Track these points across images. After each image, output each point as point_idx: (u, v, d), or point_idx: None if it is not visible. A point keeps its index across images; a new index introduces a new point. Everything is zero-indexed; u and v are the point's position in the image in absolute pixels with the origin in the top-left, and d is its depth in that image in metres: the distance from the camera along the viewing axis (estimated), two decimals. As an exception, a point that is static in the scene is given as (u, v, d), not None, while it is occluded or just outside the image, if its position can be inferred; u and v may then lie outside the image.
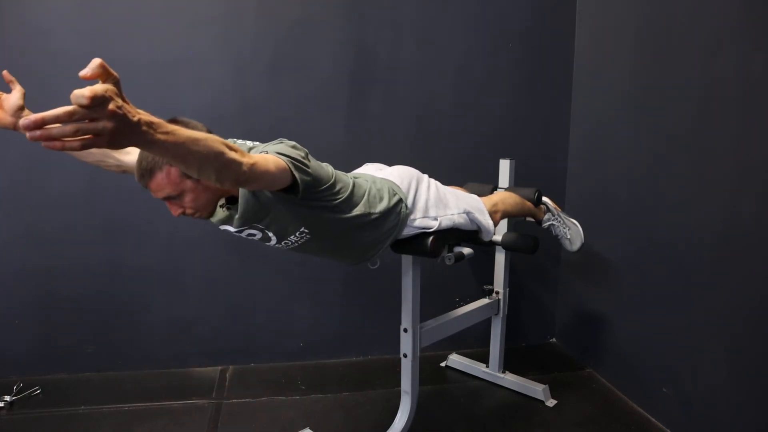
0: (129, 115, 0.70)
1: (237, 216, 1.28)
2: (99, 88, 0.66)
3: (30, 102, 2.12)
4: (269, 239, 1.37)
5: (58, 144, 0.66)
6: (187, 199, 1.22)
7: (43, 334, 2.25)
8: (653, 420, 1.95)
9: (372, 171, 1.71)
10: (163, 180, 1.17)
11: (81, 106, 0.64)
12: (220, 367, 2.39)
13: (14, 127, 1.25)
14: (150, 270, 2.30)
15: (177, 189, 1.19)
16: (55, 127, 0.65)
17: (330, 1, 2.30)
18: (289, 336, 2.46)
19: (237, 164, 0.94)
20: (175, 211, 1.25)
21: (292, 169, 1.14)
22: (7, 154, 2.13)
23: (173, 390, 2.16)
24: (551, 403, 2.08)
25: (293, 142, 1.27)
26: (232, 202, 1.33)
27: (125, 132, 0.70)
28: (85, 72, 0.69)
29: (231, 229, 1.34)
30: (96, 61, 0.69)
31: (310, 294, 2.45)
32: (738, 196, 1.59)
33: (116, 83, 0.71)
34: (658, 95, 1.95)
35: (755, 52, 1.52)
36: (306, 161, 1.22)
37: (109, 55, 2.17)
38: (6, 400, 2.02)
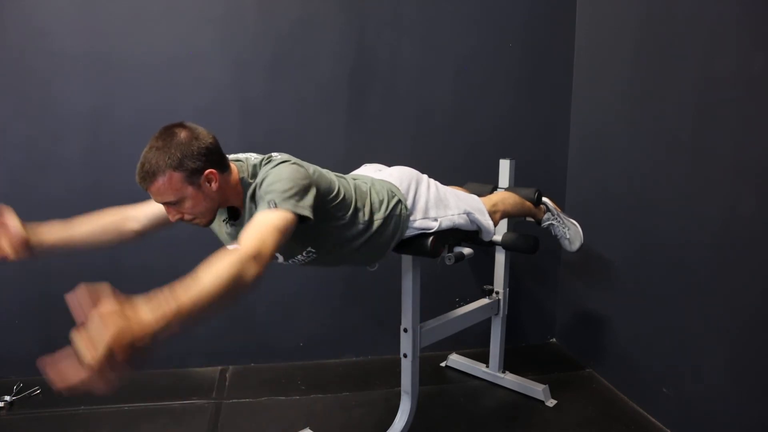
0: (139, 342, 0.73)
1: (240, 235, 1.28)
2: (100, 351, 0.68)
3: (30, 102, 2.14)
4: (276, 258, 1.37)
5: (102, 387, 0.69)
6: (187, 205, 1.20)
7: (43, 334, 2.25)
8: (653, 420, 1.95)
9: (371, 172, 1.71)
10: (165, 185, 1.15)
11: (91, 370, 0.67)
12: (220, 367, 2.39)
13: (32, 256, 1.26)
14: (150, 270, 2.30)
15: (178, 195, 1.17)
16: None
17: (330, 1, 2.30)
18: (289, 336, 2.46)
19: (251, 276, 0.96)
20: (173, 216, 1.23)
21: (303, 214, 1.15)
22: (7, 155, 2.13)
23: (173, 390, 2.16)
24: (551, 403, 2.08)
25: (294, 160, 1.26)
26: (234, 216, 1.33)
27: (145, 353, 0.74)
28: (89, 358, 0.69)
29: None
30: (78, 296, 0.73)
31: (310, 294, 2.45)
32: (738, 196, 1.59)
33: (110, 293, 0.73)
34: (657, 95, 1.95)
35: (755, 52, 1.52)
36: (310, 181, 1.22)
37: (109, 55, 2.19)
38: (6, 400, 2.02)
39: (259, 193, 1.19)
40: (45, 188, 2.17)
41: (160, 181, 1.15)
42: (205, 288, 0.86)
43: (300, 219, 1.16)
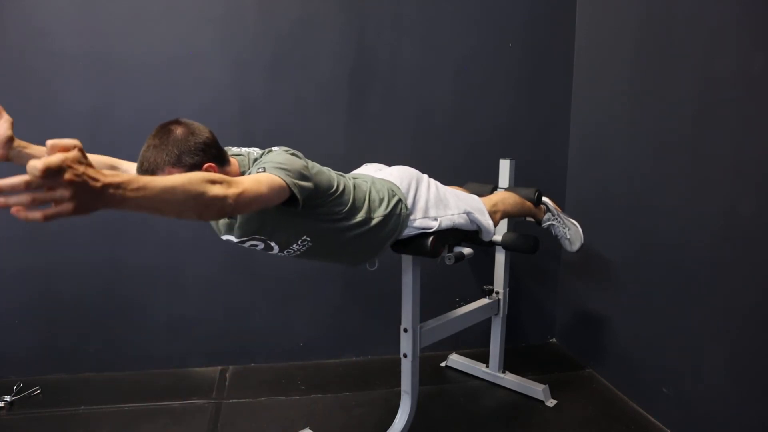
0: (90, 182, 0.70)
1: (237, 226, 1.27)
2: (54, 158, 0.66)
3: (30, 102, 2.14)
4: (272, 249, 1.37)
5: (21, 214, 0.67)
6: None
7: (43, 334, 2.25)
8: (653, 420, 1.95)
9: (371, 171, 1.71)
10: None
11: (35, 177, 0.64)
12: (220, 367, 2.39)
13: (6, 159, 1.22)
14: (150, 270, 2.30)
15: None
16: (12, 198, 0.66)
17: (330, 1, 2.30)
18: (288, 336, 2.46)
19: (219, 200, 0.93)
20: None
21: (291, 185, 1.13)
22: (7, 154, 2.13)
23: (173, 390, 2.16)
24: (551, 403, 2.08)
25: (293, 151, 1.26)
26: None
27: (89, 198, 0.70)
28: (38, 162, 0.66)
29: (233, 239, 1.34)
30: (48, 143, 0.69)
31: (310, 294, 2.45)
32: (737, 196, 1.59)
33: (80, 150, 0.70)
34: (657, 95, 1.95)
35: (755, 52, 1.52)
36: (306, 171, 1.22)
37: (109, 55, 2.19)
38: (6, 400, 2.02)
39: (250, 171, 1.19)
40: (45, 188, 2.17)
41: None
42: (170, 183, 0.84)
43: (290, 198, 1.15)
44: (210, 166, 1.19)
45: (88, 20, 2.12)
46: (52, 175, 0.65)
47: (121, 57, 2.16)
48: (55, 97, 2.13)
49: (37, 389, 2.12)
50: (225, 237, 1.36)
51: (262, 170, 1.13)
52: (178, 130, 1.16)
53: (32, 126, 2.13)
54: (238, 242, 1.35)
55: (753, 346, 1.55)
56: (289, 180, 1.13)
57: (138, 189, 0.77)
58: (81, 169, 0.69)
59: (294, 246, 1.37)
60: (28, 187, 0.65)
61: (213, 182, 0.93)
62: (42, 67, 2.10)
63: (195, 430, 1.89)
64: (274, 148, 1.30)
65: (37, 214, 0.67)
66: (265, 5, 2.24)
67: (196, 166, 1.16)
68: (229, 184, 0.97)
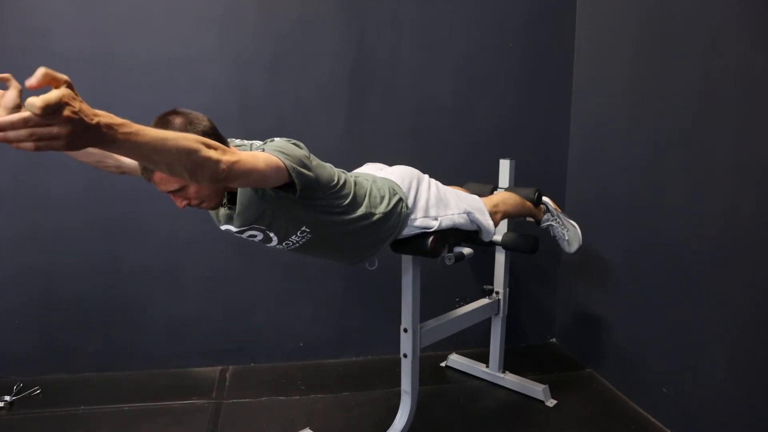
0: (86, 119, 0.70)
1: (236, 214, 1.27)
2: (53, 95, 0.67)
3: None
4: (270, 240, 1.36)
5: (14, 145, 0.68)
6: (192, 190, 1.20)
7: (43, 334, 2.25)
8: (653, 420, 1.95)
9: (372, 171, 1.71)
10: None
11: (35, 114, 0.65)
12: (220, 367, 2.39)
13: None
14: (150, 270, 2.30)
15: (181, 181, 1.16)
16: (11, 132, 0.66)
17: (330, 1, 2.30)
18: (289, 336, 2.46)
19: (213, 162, 0.93)
20: (180, 202, 1.23)
21: (288, 166, 1.13)
22: (7, 154, 2.13)
23: (173, 390, 2.16)
24: (551, 403, 2.08)
25: (295, 141, 1.27)
26: (233, 201, 1.33)
27: (83, 135, 0.71)
28: (31, 82, 0.69)
29: (233, 229, 1.34)
30: (41, 71, 0.69)
31: (310, 294, 2.45)
32: (737, 196, 1.59)
33: (69, 86, 0.71)
34: (657, 95, 1.95)
35: (755, 52, 1.52)
36: (307, 161, 1.22)
37: (109, 55, 2.19)
38: (6, 400, 2.02)
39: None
40: (45, 188, 2.17)
41: None
42: (163, 134, 0.84)
43: (288, 185, 1.15)
44: None
45: (88, 20, 2.12)
46: (51, 111, 0.66)
47: (121, 57, 2.16)
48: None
49: (37, 389, 2.12)
50: (224, 227, 1.35)
51: (261, 151, 1.13)
52: (177, 120, 1.16)
53: (32, 126, 2.13)
54: (236, 232, 1.34)
55: (753, 346, 1.55)
56: (287, 162, 1.13)
57: (130, 133, 0.77)
58: (77, 105, 0.70)
59: (293, 237, 1.36)
60: (26, 123, 0.66)
61: (208, 146, 0.93)
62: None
63: (195, 430, 1.89)
64: (276, 139, 1.29)
65: (29, 144, 0.68)
66: (265, 5, 2.24)
67: None
68: (224, 151, 0.97)
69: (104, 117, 0.74)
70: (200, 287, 2.35)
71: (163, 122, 1.15)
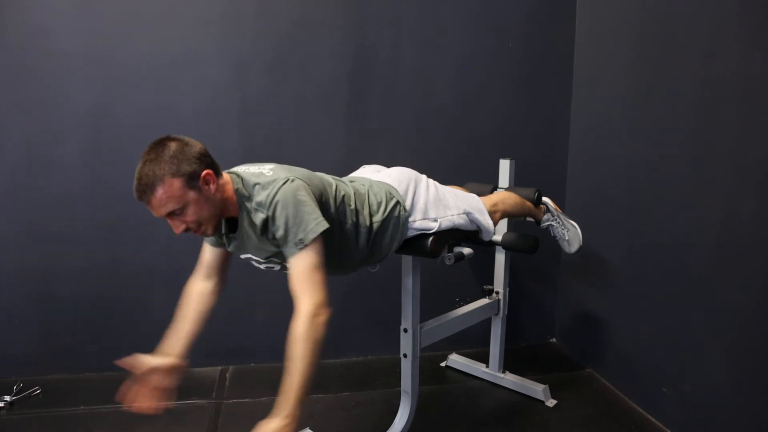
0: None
1: (250, 248, 1.34)
2: None
3: (30, 101, 2.14)
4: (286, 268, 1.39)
5: None
6: (191, 211, 1.20)
7: (43, 334, 2.25)
8: (653, 420, 1.95)
9: (369, 173, 1.71)
10: (166, 193, 1.15)
11: None
12: (220, 367, 2.39)
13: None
14: (150, 270, 2.30)
15: (180, 201, 1.17)
16: None
17: (330, 1, 2.30)
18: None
19: (322, 322, 1.25)
20: (178, 227, 1.23)
21: (325, 230, 1.24)
22: (7, 155, 2.13)
23: (173, 390, 2.16)
24: (551, 403, 2.08)
25: (296, 187, 1.25)
26: (234, 229, 1.35)
27: None
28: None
29: (254, 258, 1.41)
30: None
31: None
32: (737, 196, 1.59)
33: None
34: (657, 95, 1.95)
35: (755, 52, 1.52)
36: (314, 202, 1.26)
37: (109, 55, 2.19)
38: (6, 400, 2.02)
39: (276, 224, 1.23)
40: (45, 188, 2.17)
41: (161, 191, 1.15)
42: (305, 368, 1.19)
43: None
44: (208, 173, 1.20)
45: (88, 20, 2.12)
46: None
47: (121, 57, 2.16)
48: (55, 97, 2.13)
49: (37, 389, 2.12)
50: (244, 257, 1.43)
51: (301, 244, 1.21)
52: (172, 144, 1.18)
53: (32, 126, 2.14)
54: (258, 264, 1.44)
55: (753, 346, 1.55)
56: (323, 228, 1.23)
57: (301, 402, 1.17)
58: None
59: None
60: None
61: (317, 320, 1.23)
62: (42, 67, 2.10)
63: (195, 430, 1.89)
64: (265, 172, 1.29)
65: None
66: (265, 5, 2.24)
67: (195, 174, 1.18)
68: (318, 305, 1.22)
69: (292, 417, 1.13)
70: (200, 287, 2.35)
71: (159, 146, 1.17)
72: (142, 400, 1.35)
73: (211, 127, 2.23)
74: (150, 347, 2.33)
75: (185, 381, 2.25)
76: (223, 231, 1.36)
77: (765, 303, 1.51)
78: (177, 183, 1.16)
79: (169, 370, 1.37)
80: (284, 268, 1.37)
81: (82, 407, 2.02)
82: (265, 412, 2.10)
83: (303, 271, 1.22)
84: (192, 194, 1.18)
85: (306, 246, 1.21)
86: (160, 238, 2.28)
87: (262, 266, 1.42)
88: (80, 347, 2.28)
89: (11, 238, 2.17)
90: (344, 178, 1.57)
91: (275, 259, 1.36)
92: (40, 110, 2.13)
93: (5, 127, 2.12)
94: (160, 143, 1.18)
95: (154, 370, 1.34)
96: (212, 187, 1.22)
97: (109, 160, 2.19)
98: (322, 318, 1.20)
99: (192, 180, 1.18)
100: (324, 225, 1.23)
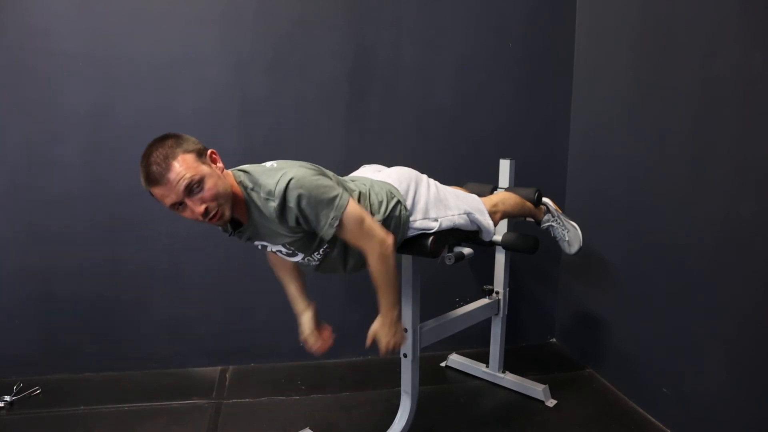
0: (398, 328, 1.49)
1: (265, 235, 1.36)
2: (387, 345, 1.52)
3: (30, 101, 2.14)
4: (294, 255, 1.43)
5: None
6: (209, 184, 1.19)
7: (43, 334, 2.25)
8: (653, 420, 1.95)
9: (370, 173, 1.71)
10: (182, 165, 1.17)
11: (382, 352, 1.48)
12: (220, 367, 2.39)
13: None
14: (150, 270, 2.30)
15: (196, 171, 1.18)
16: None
17: (330, 1, 2.30)
18: (289, 336, 2.44)
19: (390, 245, 1.38)
20: (197, 207, 1.19)
21: (352, 195, 1.37)
22: (7, 155, 2.13)
23: (173, 390, 2.16)
24: (551, 403, 2.08)
25: (304, 174, 1.27)
26: (236, 225, 1.36)
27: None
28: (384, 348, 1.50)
29: (270, 246, 1.44)
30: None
31: (310, 293, 2.43)
32: (737, 196, 1.59)
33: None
34: (657, 95, 1.95)
35: (755, 52, 1.52)
36: (326, 178, 1.32)
37: (109, 55, 2.19)
38: (6, 400, 2.02)
39: (304, 215, 1.26)
40: (45, 188, 2.17)
41: (177, 165, 1.16)
42: (390, 281, 1.41)
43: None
44: (213, 151, 1.27)
45: (88, 20, 2.12)
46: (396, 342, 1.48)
47: (120, 57, 2.16)
48: (55, 97, 2.13)
49: (37, 389, 2.12)
50: (257, 243, 1.44)
51: (336, 221, 1.28)
52: (168, 140, 1.21)
53: (32, 126, 2.14)
54: (273, 250, 1.47)
55: (753, 346, 1.55)
56: (347, 200, 1.31)
57: (396, 303, 1.46)
58: (398, 338, 1.53)
59: (315, 254, 1.43)
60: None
61: (384, 249, 1.37)
62: (42, 67, 2.10)
63: (195, 430, 1.89)
64: (284, 169, 1.28)
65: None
66: (265, 5, 2.24)
67: (202, 151, 1.23)
68: (380, 242, 1.36)
69: (392, 319, 1.48)
70: (200, 287, 2.35)
71: (159, 139, 1.20)
72: (322, 345, 1.66)
73: (211, 127, 2.23)
74: (150, 347, 2.35)
75: (185, 381, 2.27)
76: (229, 233, 1.37)
77: (765, 303, 1.51)
78: (190, 156, 1.19)
79: (316, 315, 1.67)
80: (289, 254, 1.43)
81: (82, 407, 2.02)
82: (265, 412, 2.11)
83: (354, 233, 1.33)
84: (205, 167, 1.21)
85: (341, 219, 1.28)
86: (160, 237, 2.28)
87: (273, 248, 1.45)
88: (80, 347, 2.28)
89: (11, 238, 2.17)
90: (345, 178, 1.57)
91: (288, 246, 1.39)
92: (40, 110, 2.13)
93: (5, 127, 2.12)
94: (160, 137, 1.22)
95: (315, 325, 1.65)
96: (220, 164, 1.26)
97: (109, 160, 2.19)
98: (387, 245, 1.36)
99: (201, 155, 1.22)
100: (346, 197, 1.30)
